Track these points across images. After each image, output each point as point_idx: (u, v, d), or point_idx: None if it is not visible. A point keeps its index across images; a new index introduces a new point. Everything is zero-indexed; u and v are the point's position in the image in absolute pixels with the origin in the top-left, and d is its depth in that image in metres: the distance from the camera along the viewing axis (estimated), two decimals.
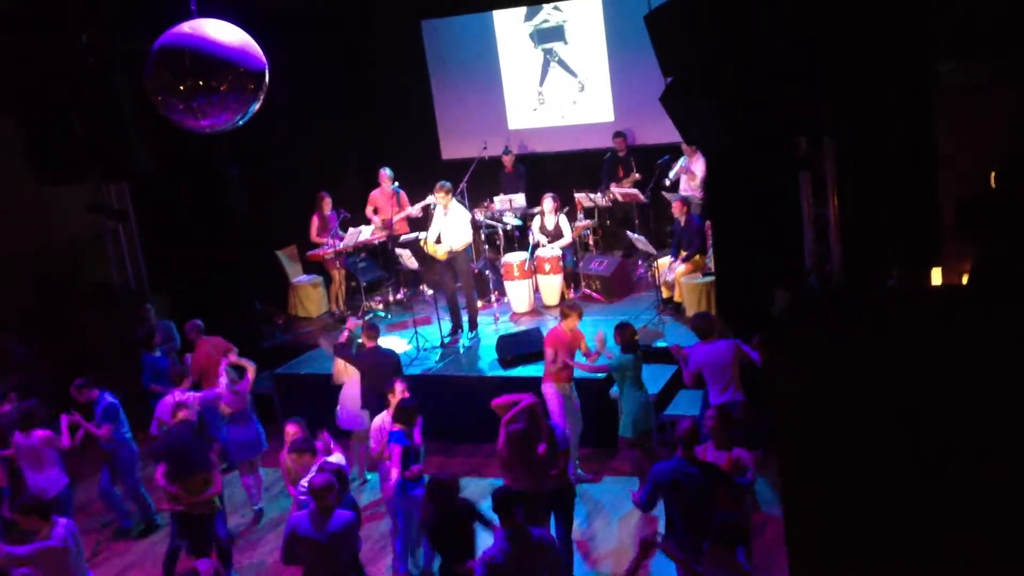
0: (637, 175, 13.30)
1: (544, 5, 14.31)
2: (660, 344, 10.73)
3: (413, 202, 13.31)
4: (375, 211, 13.44)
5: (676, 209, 11.68)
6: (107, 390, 9.59)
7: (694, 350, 8.65)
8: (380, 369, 9.44)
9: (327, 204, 13.28)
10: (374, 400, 9.44)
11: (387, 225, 13.18)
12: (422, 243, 11.75)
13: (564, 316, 9.34)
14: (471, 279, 11.77)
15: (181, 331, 11.11)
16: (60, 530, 6.99)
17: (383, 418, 8.35)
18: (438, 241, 11.46)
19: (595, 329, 9.90)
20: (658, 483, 6.73)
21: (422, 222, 12.95)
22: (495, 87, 14.98)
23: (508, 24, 14.68)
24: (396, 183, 13.45)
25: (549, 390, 9.21)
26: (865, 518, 5.20)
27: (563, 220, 12.64)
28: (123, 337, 11.35)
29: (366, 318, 12.53)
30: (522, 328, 11.49)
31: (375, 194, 13.51)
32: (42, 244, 12.18)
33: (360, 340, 9.81)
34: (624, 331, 8.96)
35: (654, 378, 10.03)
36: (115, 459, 9.56)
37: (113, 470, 9.63)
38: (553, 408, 9.06)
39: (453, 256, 11.41)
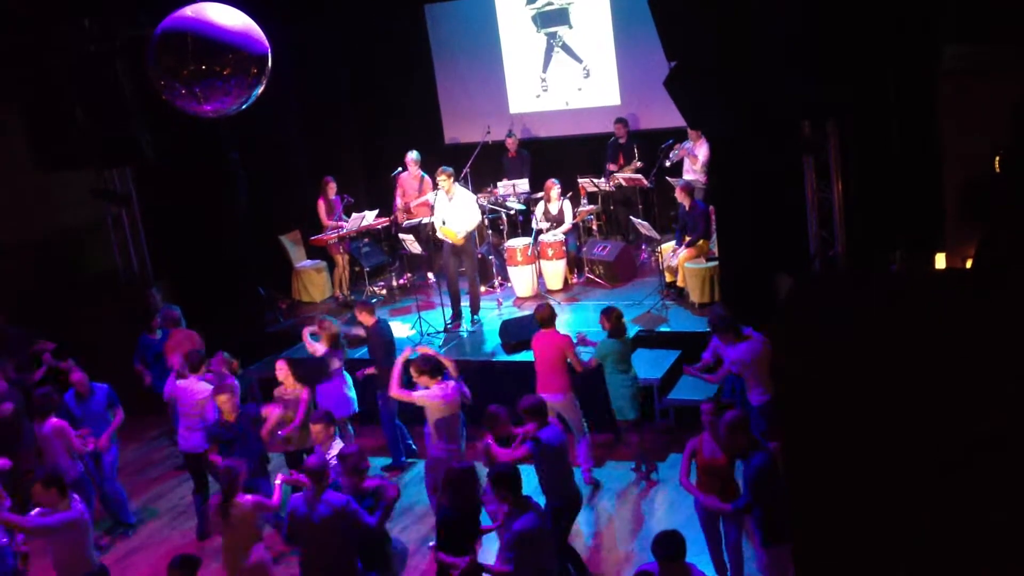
0: (638, 163, 13.26)
1: None
2: (663, 329, 10.75)
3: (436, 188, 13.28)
4: (403, 194, 13.37)
5: (679, 194, 11.67)
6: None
7: (731, 351, 8.25)
8: (388, 346, 9.65)
9: (332, 188, 13.27)
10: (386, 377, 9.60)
11: (407, 209, 13.15)
12: (440, 231, 11.62)
13: (549, 324, 9.06)
14: (475, 263, 11.78)
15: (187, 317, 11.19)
16: (79, 505, 7.04)
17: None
18: (444, 223, 11.44)
19: (599, 314, 9.83)
20: (764, 479, 6.49)
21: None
22: (498, 72, 14.94)
23: (510, 8, 14.62)
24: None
25: (570, 401, 9.00)
26: (871, 506, 5.21)
27: (567, 205, 12.62)
28: (127, 323, 11.35)
29: (372, 301, 12.56)
30: (525, 313, 11.49)
31: (403, 177, 13.41)
32: (45, 231, 12.19)
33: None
34: (610, 315, 8.88)
35: (656, 363, 10.04)
36: (105, 455, 9.30)
37: (99, 467, 9.32)
38: (575, 417, 9.01)
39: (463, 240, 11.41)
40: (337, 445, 7.73)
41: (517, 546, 6.17)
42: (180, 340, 10.35)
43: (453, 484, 6.69)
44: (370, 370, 9.80)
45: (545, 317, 9.05)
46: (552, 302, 11.88)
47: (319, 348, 9.63)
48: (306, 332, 9.93)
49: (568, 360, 8.90)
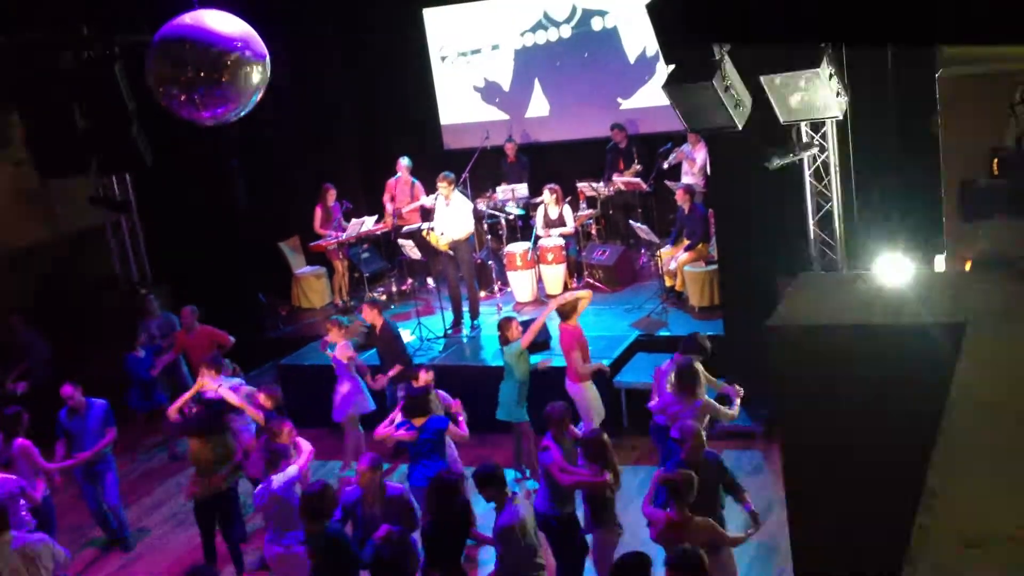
0: (638, 166, 13.26)
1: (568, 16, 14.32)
2: (663, 333, 10.74)
3: (428, 193, 13.32)
4: (392, 199, 13.42)
5: (679, 197, 11.67)
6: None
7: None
8: (395, 343, 9.80)
9: (331, 195, 13.28)
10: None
11: (399, 214, 13.18)
12: (425, 234, 11.81)
13: (567, 316, 9.02)
14: (473, 269, 11.78)
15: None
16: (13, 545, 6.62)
17: None
18: (441, 232, 11.48)
19: (601, 320, 9.79)
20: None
21: (432, 213, 12.92)
22: (497, 77, 14.95)
23: (509, 12, 14.62)
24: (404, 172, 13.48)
25: (581, 390, 9.01)
26: (866, 504, 5.21)
27: (566, 210, 12.63)
28: (126, 330, 11.35)
29: (368, 299, 12.59)
30: (525, 318, 11.47)
31: (392, 182, 13.47)
32: (44, 237, 12.17)
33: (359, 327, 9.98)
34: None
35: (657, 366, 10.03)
36: (105, 470, 9.13)
37: (97, 483, 9.13)
38: (585, 408, 8.99)
39: (455, 246, 11.42)
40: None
41: (500, 542, 6.20)
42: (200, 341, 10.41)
43: (438, 493, 6.56)
44: (389, 374, 9.72)
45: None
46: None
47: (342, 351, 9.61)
48: (324, 345, 9.83)
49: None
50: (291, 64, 12.60)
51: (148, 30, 7.34)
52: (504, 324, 9.01)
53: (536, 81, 14.81)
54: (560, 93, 14.72)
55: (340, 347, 9.59)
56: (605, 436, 6.98)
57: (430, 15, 15.01)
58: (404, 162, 13.36)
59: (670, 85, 8.34)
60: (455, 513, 6.56)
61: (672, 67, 8.36)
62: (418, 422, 7.75)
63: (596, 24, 14.18)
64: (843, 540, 5.41)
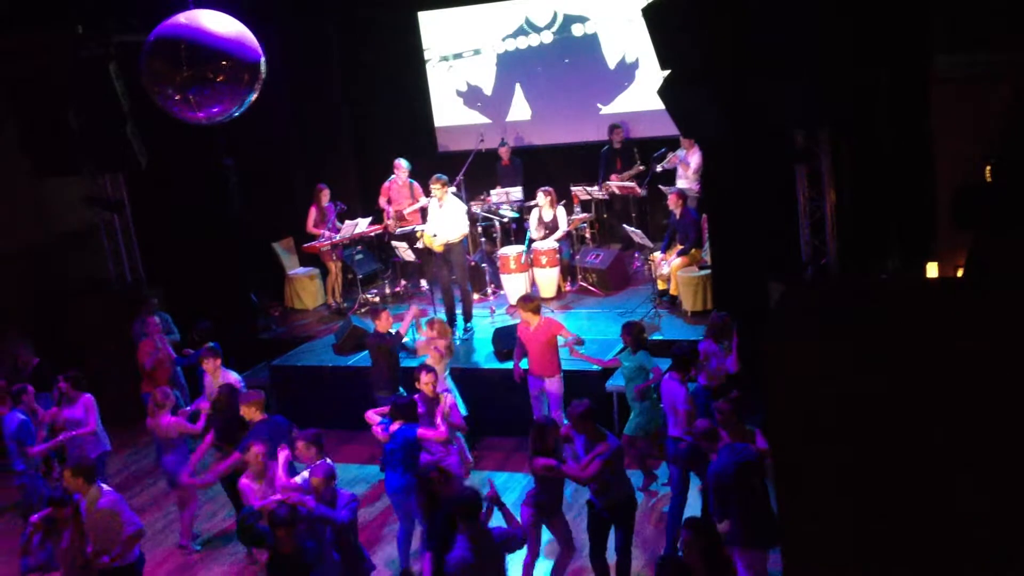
0: (640, 166, 13.25)
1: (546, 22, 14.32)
2: (656, 337, 10.74)
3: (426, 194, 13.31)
4: (388, 202, 13.41)
5: (672, 201, 11.68)
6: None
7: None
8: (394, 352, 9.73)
9: (325, 196, 13.26)
10: (387, 381, 9.59)
11: (400, 216, 13.17)
12: (419, 235, 11.82)
13: (536, 312, 9.39)
14: (466, 271, 11.77)
15: (177, 324, 11.21)
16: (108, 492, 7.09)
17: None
18: (434, 234, 11.48)
19: (594, 324, 9.79)
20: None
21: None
22: (490, 80, 14.95)
23: (504, 16, 14.63)
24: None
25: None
26: (861, 510, 5.21)
27: (560, 213, 12.63)
28: (119, 330, 11.32)
29: (362, 309, 12.56)
30: (518, 321, 11.46)
31: (389, 184, 13.44)
32: (38, 238, 12.13)
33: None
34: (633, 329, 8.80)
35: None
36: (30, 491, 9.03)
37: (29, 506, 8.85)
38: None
39: (449, 248, 11.41)
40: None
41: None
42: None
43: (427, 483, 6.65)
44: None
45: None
46: (546, 310, 11.91)
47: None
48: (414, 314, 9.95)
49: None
50: (287, 64, 12.60)
51: (143, 30, 7.35)
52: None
53: (517, 86, 14.81)
54: (541, 98, 14.73)
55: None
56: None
57: (424, 18, 15.01)
58: (403, 164, 13.32)
59: (665, 90, 8.36)
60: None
61: (668, 72, 8.38)
62: (393, 426, 7.76)
63: (577, 30, 14.21)
64: (836, 547, 5.41)
